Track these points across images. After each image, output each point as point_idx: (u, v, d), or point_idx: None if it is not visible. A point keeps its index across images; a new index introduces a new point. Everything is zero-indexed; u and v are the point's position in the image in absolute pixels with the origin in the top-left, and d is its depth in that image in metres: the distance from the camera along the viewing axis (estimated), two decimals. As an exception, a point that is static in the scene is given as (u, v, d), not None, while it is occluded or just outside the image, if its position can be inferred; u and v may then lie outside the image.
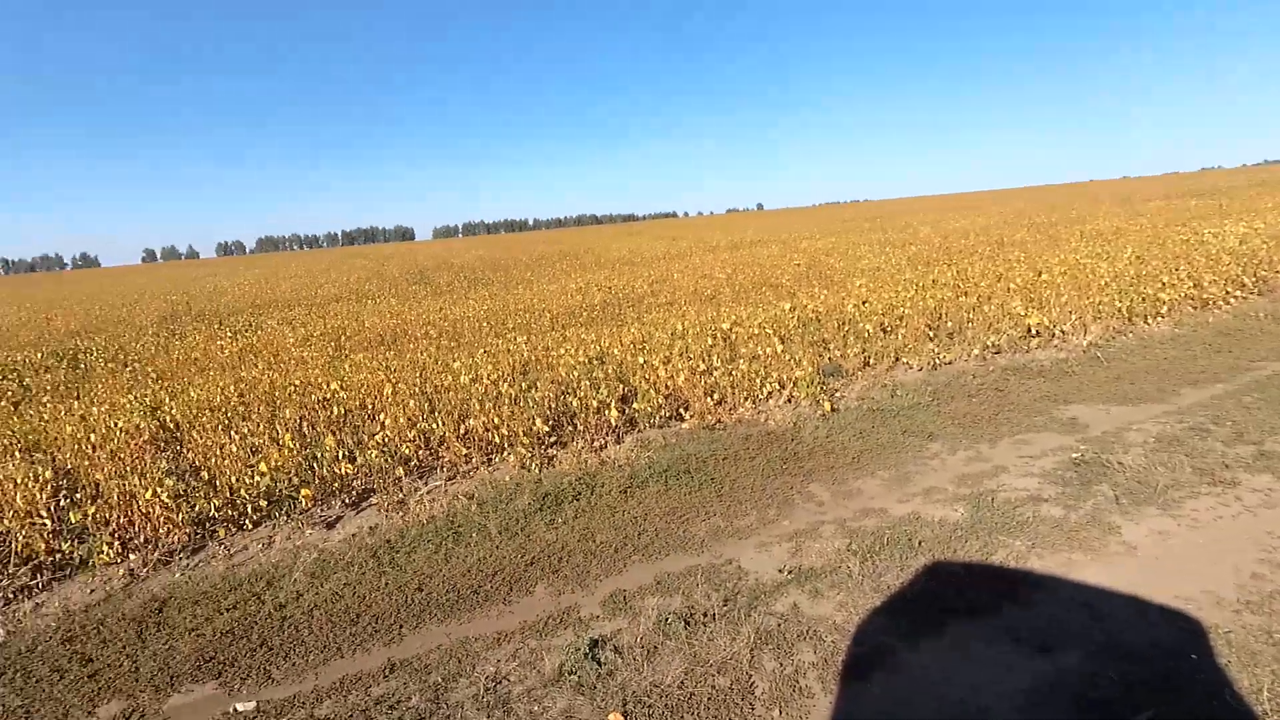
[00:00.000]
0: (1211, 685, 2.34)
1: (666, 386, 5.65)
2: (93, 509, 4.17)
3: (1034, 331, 6.78)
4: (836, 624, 2.82)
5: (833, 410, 5.29)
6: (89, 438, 5.25)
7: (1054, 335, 6.77)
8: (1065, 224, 18.11)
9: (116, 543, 4.01)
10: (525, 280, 17.54)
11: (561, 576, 3.38)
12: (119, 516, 4.18)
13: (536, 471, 4.58)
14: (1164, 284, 7.92)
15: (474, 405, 5.25)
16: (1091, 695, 2.33)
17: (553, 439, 5.05)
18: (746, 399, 5.53)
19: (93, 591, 3.73)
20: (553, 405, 5.42)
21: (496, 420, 5.01)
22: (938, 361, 6.29)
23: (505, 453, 4.87)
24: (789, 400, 5.56)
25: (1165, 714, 2.22)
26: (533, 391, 5.61)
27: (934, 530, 3.49)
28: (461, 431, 5.01)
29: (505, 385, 5.73)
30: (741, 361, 6.11)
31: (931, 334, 6.92)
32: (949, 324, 7.15)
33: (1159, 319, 7.20)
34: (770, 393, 5.61)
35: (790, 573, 3.22)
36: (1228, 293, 7.90)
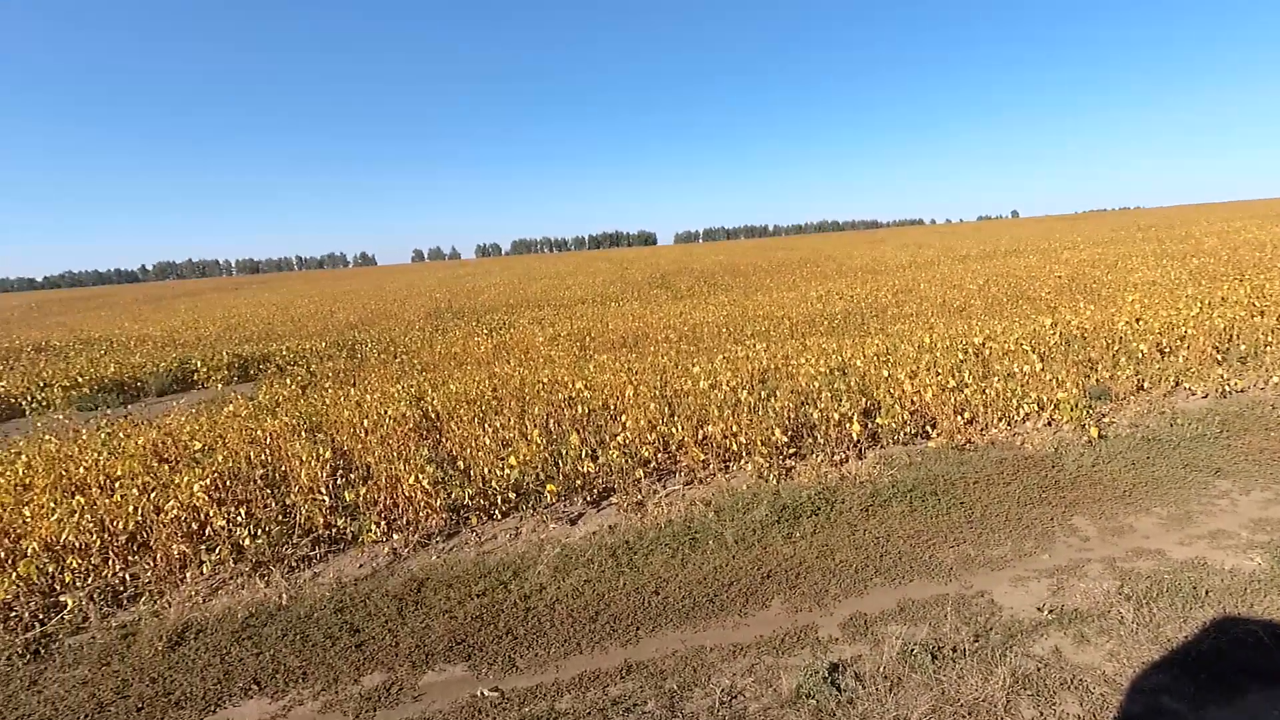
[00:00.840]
0: None
1: (912, 401, 5.63)
2: (364, 489, 4.54)
3: (1362, 359, 5.88)
4: (1106, 675, 2.68)
5: (1100, 437, 5.07)
6: (362, 423, 5.70)
7: (1395, 364, 5.82)
8: None
9: (383, 522, 4.41)
10: (765, 286, 17.92)
11: (799, 593, 3.37)
12: (385, 498, 4.57)
13: (774, 482, 4.67)
14: None
15: (712, 411, 5.40)
16: None
17: (791, 450, 5.15)
18: (1000, 419, 5.42)
19: (361, 566, 4.12)
20: (791, 415, 5.49)
21: (735, 427, 5.15)
22: (1227, 389, 5.70)
23: (743, 461, 5.01)
24: (1049, 423, 5.39)
25: None
26: (771, 400, 5.72)
27: (1224, 580, 3.26)
28: (700, 437, 5.16)
29: (744, 392, 5.84)
30: (995, 379, 5.93)
31: (1220, 357, 6.25)
32: (1242, 347, 6.37)
33: None
34: (1028, 414, 5.46)
35: (1051, 612, 3.10)
36: None
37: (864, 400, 5.74)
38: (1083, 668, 2.72)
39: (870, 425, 5.46)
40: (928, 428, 5.47)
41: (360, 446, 5.33)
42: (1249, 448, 4.76)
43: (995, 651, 2.84)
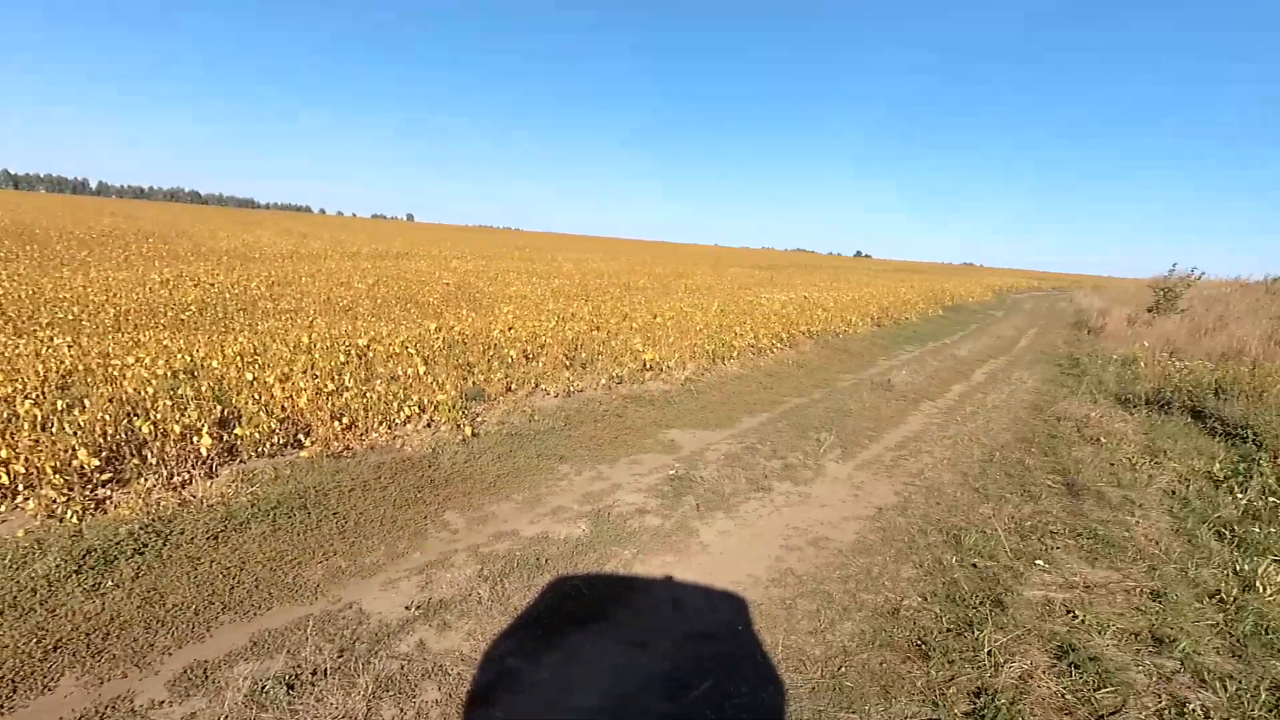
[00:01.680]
0: (751, 648, 3.00)
1: (283, 408, 4.99)
2: None
3: (648, 366, 7.92)
4: (463, 654, 2.81)
5: (474, 435, 5.40)
6: None
7: (663, 370, 8.00)
8: (674, 277, 21.56)
9: None
10: (79, 261, 13.65)
11: (106, 659, 2.62)
12: None
13: (75, 521, 3.54)
14: (736, 334, 10.03)
15: None
16: (675, 676, 2.75)
17: (106, 476, 3.97)
18: (382, 423, 5.27)
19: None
20: (110, 431, 4.26)
21: (6, 452, 3.76)
22: (572, 389, 6.90)
23: (19, 498, 3.68)
24: (429, 425, 5.49)
25: (720, 679, 2.74)
26: (75, 412, 4.38)
27: (559, 547, 3.77)
28: None
29: (28, 403, 4.35)
30: (379, 382, 5.81)
31: (568, 363, 7.59)
32: (583, 355, 7.93)
33: (731, 361, 9.07)
34: (409, 417, 5.45)
35: (419, 608, 3.12)
36: (773, 344, 10.36)
37: (220, 409, 4.83)
38: (443, 653, 2.81)
39: (227, 437, 4.59)
40: (301, 436, 4.92)
41: None
42: (584, 436, 5.79)
43: (359, 662, 2.72)
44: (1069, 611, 3.44)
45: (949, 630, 3.21)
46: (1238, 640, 3.27)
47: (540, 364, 7.28)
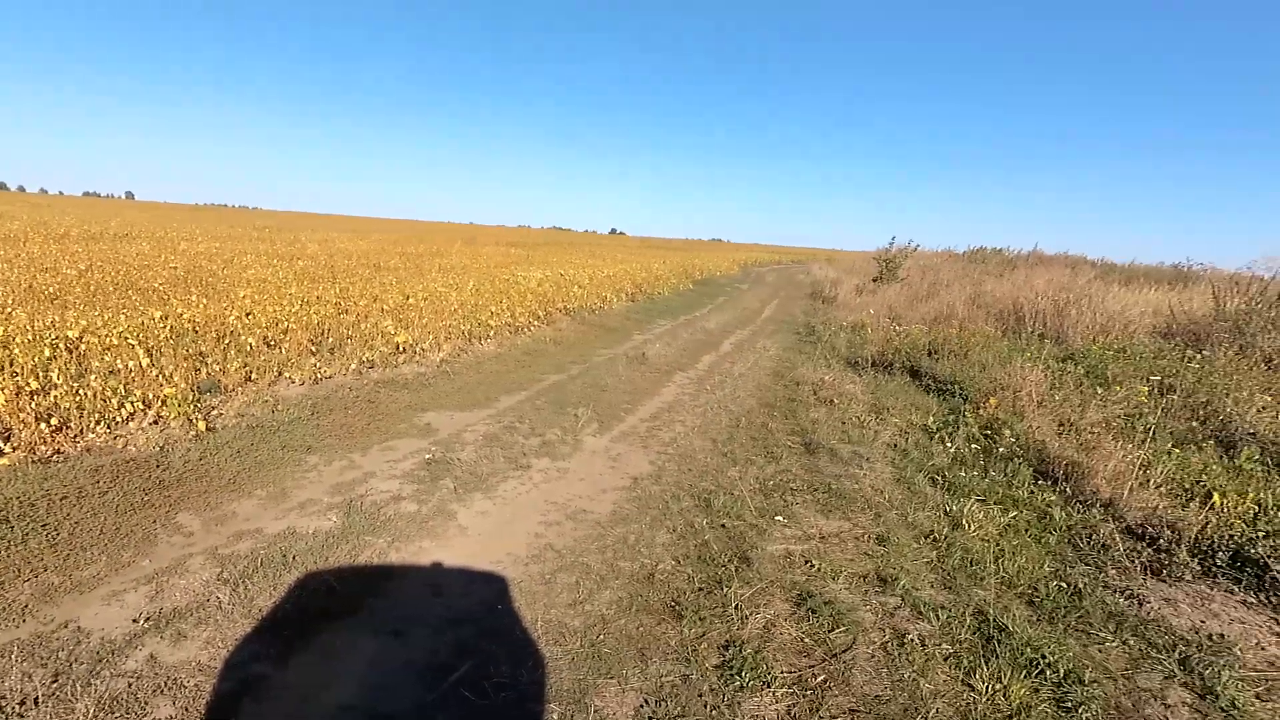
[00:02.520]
0: (511, 626, 3.06)
1: None
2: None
3: (401, 349, 7.82)
4: (201, 664, 2.69)
5: (209, 430, 5.03)
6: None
7: (416, 352, 7.95)
8: (428, 256, 20.76)
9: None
10: None
11: None
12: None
13: None
14: (492, 313, 10.20)
15: None
16: (434, 663, 2.76)
17: None
18: (99, 422, 4.70)
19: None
20: None
21: None
22: (319, 376, 6.65)
23: None
24: (155, 421, 5.00)
25: (480, 660, 2.83)
26: None
27: (308, 542, 3.68)
28: None
29: None
30: (94, 377, 5.13)
31: (314, 349, 7.24)
32: (331, 340, 7.58)
33: (488, 340, 9.27)
34: (132, 413, 4.91)
35: (148, 620, 2.94)
36: (530, 322, 10.75)
37: None
38: (178, 665, 2.67)
39: None
40: None
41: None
42: (334, 424, 5.63)
43: (78, 684, 2.52)
44: (807, 561, 3.74)
45: (700, 589, 3.42)
46: (948, 574, 3.68)
47: (283, 351, 6.87)
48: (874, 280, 21.59)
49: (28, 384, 4.82)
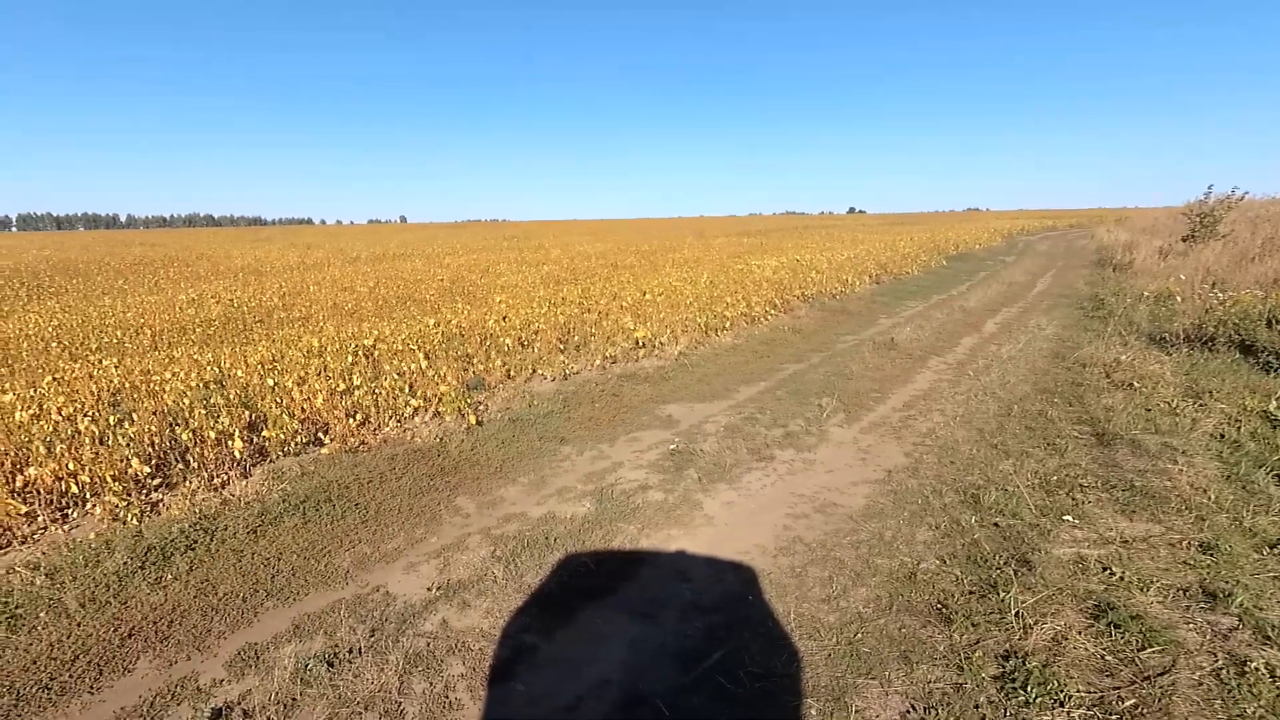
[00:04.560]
0: (762, 617, 2.98)
1: (303, 409, 5.23)
2: None
3: (640, 343, 8.01)
4: (483, 631, 2.93)
5: (477, 423, 5.52)
6: None
7: (655, 346, 8.10)
8: (661, 252, 21.54)
9: None
10: (117, 289, 14.40)
11: (173, 644, 2.89)
12: None
13: (135, 523, 3.85)
14: (728, 304, 10.11)
15: (37, 449, 4.19)
16: (684, 647, 2.78)
17: (157, 481, 4.29)
18: (391, 418, 5.43)
19: None
20: (156, 441, 4.60)
21: (74, 465, 4.07)
22: (568, 372, 7.02)
23: (88, 505, 4.00)
24: (435, 416, 5.63)
25: (733, 648, 2.77)
26: (126, 425, 4.68)
27: (566, 526, 3.86)
28: (19, 485, 3.95)
29: (86, 420, 4.69)
30: (385, 379, 5.96)
31: (562, 347, 7.71)
32: (576, 338, 8.04)
33: (724, 332, 9.16)
34: (416, 409, 5.60)
35: (439, 589, 3.25)
36: (767, 312, 10.44)
37: (248, 413, 5.14)
38: (464, 630, 2.94)
39: (256, 440, 4.89)
40: (320, 434, 5.12)
41: None
42: (583, 417, 5.88)
43: (389, 640, 2.88)
44: (1105, 569, 3.23)
45: (971, 593, 3.09)
46: None
47: (535, 350, 7.41)
48: (1184, 240, 17.96)
49: (338, 385, 5.73)
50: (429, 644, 2.85)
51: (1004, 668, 2.59)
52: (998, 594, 3.04)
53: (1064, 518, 3.76)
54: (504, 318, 8.34)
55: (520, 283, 12.87)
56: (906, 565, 3.36)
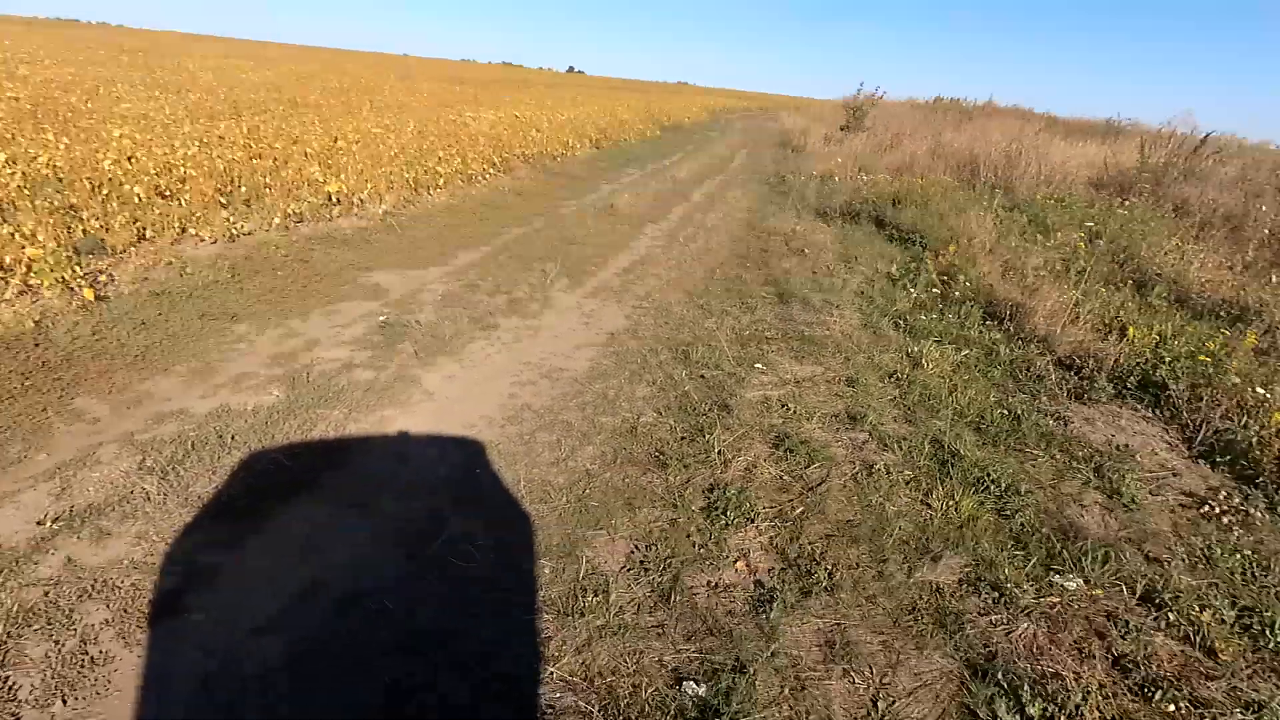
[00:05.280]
0: (491, 489, 2.90)
1: None
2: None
3: (334, 199, 6.78)
4: (135, 562, 2.30)
5: (99, 299, 4.12)
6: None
7: (354, 204, 6.92)
8: (357, 92, 18.36)
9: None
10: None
11: None
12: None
13: None
14: (440, 159, 9.00)
15: None
16: (407, 530, 2.57)
17: None
18: None
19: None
20: None
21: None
22: (235, 232, 5.60)
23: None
24: (24, 292, 4.01)
25: (462, 525, 2.63)
26: None
27: (248, 420, 3.19)
28: None
29: None
30: None
31: (225, 201, 6.07)
32: (244, 189, 6.39)
33: (438, 190, 8.21)
34: None
35: (57, 521, 2.45)
36: (485, 170, 9.61)
37: None
38: (105, 566, 2.30)
39: None
40: None
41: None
42: (261, 288, 4.86)
43: None
44: (784, 405, 3.79)
45: (683, 439, 3.41)
46: (909, 408, 3.88)
47: (183, 203, 5.67)
48: (841, 129, 20.74)
49: None
50: (48, 593, 2.15)
51: (709, 499, 2.93)
52: (704, 437, 3.38)
53: (755, 366, 4.32)
54: (129, 158, 6.17)
55: (154, 113, 9.63)
56: (628, 421, 3.55)
